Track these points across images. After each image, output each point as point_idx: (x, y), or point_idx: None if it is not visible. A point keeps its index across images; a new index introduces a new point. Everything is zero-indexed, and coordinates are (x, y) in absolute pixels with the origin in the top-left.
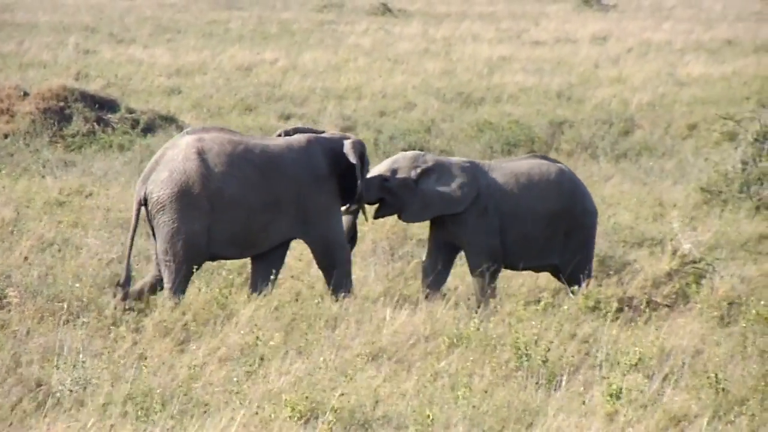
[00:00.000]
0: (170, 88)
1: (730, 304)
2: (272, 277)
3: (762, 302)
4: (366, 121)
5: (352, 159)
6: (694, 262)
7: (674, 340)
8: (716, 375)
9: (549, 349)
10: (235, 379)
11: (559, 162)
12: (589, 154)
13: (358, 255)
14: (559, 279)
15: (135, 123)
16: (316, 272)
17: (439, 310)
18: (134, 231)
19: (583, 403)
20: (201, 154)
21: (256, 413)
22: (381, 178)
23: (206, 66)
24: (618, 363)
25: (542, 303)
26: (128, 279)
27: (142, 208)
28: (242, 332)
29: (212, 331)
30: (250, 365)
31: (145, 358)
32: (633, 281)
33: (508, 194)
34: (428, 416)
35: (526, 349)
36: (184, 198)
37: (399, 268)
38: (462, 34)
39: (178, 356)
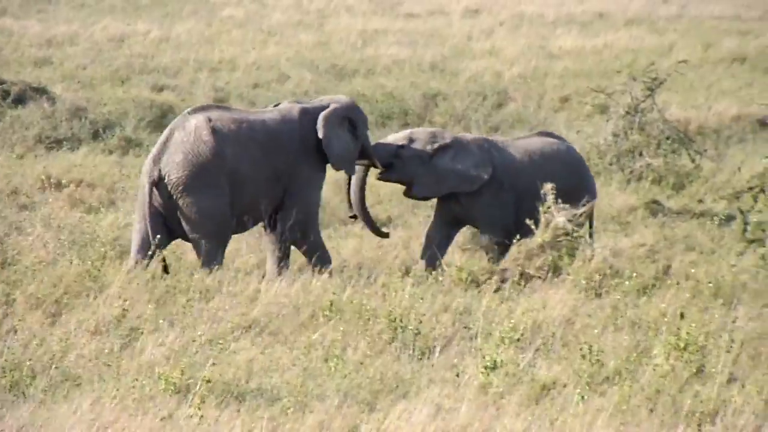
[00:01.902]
0: (41, 59)
1: (601, 276)
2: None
3: (634, 274)
4: (239, 93)
5: (320, 133)
6: (567, 234)
7: (547, 312)
8: (588, 346)
9: (422, 321)
10: (106, 351)
11: (564, 140)
12: (462, 126)
13: None
14: None
15: (5, 94)
16: (187, 245)
17: (313, 282)
18: (149, 211)
19: (457, 374)
20: (213, 135)
21: (133, 387)
22: (396, 146)
23: (78, 37)
24: (491, 334)
25: (413, 274)
26: (152, 255)
27: (155, 188)
28: (115, 305)
29: (85, 303)
30: (123, 338)
31: (16, 332)
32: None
33: (523, 171)
34: (302, 388)
35: (400, 321)
36: (203, 178)
37: None
38: (336, 6)
39: (49, 329)
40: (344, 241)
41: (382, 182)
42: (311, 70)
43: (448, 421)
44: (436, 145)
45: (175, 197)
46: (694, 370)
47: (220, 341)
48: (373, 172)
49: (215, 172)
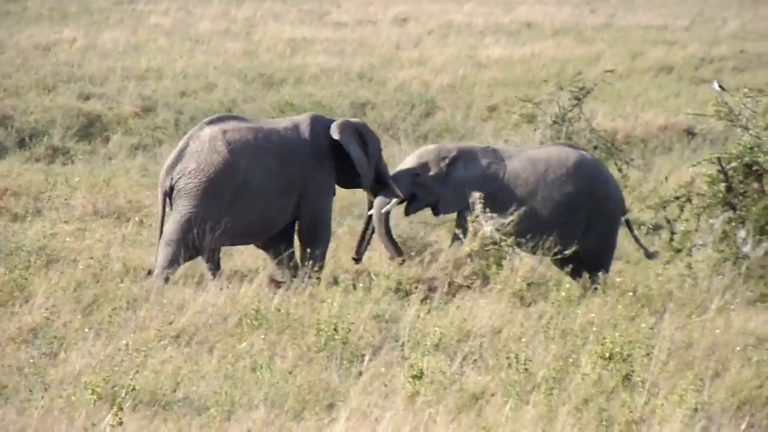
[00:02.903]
0: None
1: (529, 284)
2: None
3: (560, 283)
4: (167, 102)
5: (336, 136)
6: (495, 243)
7: (475, 321)
8: (516, 355)
9: (350, 330)
10: (32, 360)
11: (581, 149)
12: (390, 135)
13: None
14: (570, 268)
15: None
16: (115, 253)
17: (241, 291)
18: (162, 221)
19: (385, 384)
20: (227, 146)
21: (59, 396)
22: (413, 173)
23: (3, 45)
24: (419, 344)
25: (343, 284)
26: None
27: (167, 198)
28: (41, 314)
29: (10, 312)
30: (49, 347)
31: None
32: (434, 262)
33: (528, 180)
34: (229, 397)
35: (328, 330)
36: (210, 189)
37: None
38: (263, 15)
39: None
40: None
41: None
42: (239, 78)
43: (376, 430)
44: (446, 161)
45: (175, 200)
46: (621, 379)
47: (147, 350)
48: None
49: (225, 184)
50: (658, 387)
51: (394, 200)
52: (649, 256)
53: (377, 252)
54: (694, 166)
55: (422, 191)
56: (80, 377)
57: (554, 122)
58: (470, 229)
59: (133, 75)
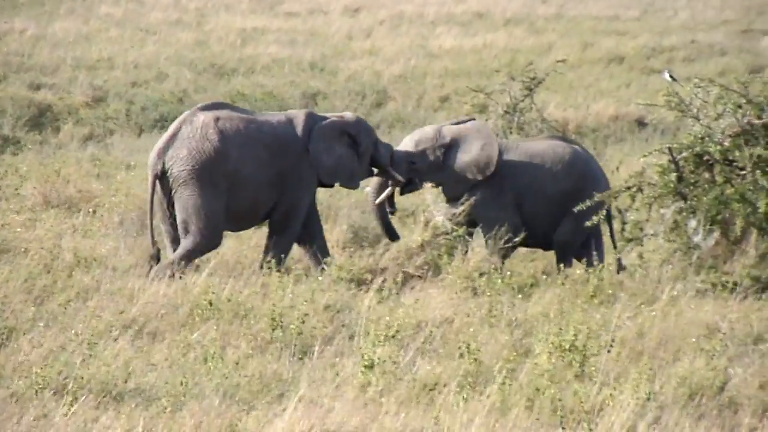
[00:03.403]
0: None
1: (481, 274)
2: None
3: (509, 273)
4: (118, 92)
5: (309, 145)
6: (447, 233)
7: (426, 311)
8: (468, 345)
9: (304, 321)
10: None
11: (575, 143)
12: None
13: (109, 227)
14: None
15: None
16: (66, 243)
17: (192, 281)
18: (152, 204)
19: (337, 374)
20: (219, 134)
21: (8, 387)
22: (409, 160)
23: None
24: (371, 333)
25: (295, 274)
26: (158, 250)
27: (158, 181)
28: None
29: None
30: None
31: None
32: (386, 253)
33: (524, 173)
34: (180, 388)
35: (280, 320)
36: (204, 176)
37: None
38: (215, 5)
39: None
40: (224, 240)
41: None
42: (190, 69)
43: (327, 420)
44: (442, 148)
45: (174, 190)
46: (574, 369)
47: (98, 341)
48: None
49: (216, 171)
50: (610, 377)
51: (389, 188)
52: (620, 267)
53: (329, 243)
54: (645, 156)
55: (417, 176)
56: (31, 368)
57: (506, 112)
58: (422, 219)
59: (83, 65)
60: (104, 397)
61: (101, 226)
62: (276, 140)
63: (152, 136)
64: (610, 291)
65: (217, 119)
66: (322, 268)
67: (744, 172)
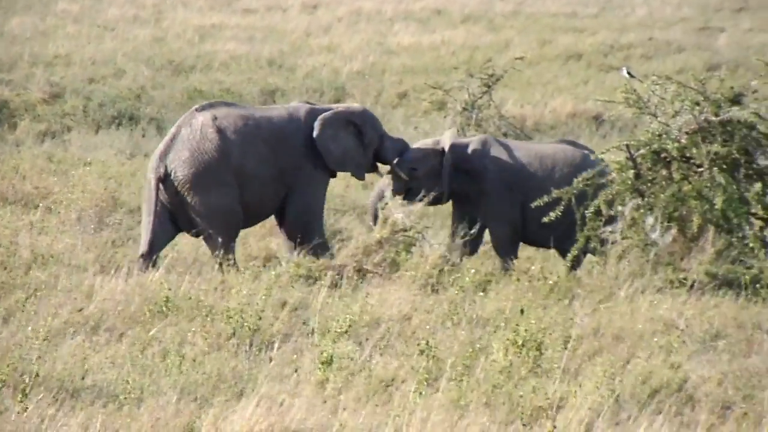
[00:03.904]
0: None
1: (439, 271)
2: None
3: (471, 270)
4: (75, 88)
5: (314, 133)
6: (405, 230)
7: (384, 308)
8: (426, 342)
9: (261, 318)
10: None
11: (585, 147)
12: None
13: (67, 224)
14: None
15: None
16: (22, 240)
17: (150, 278)
18: (155, 206)
19: (295, 370)
20: (218, 133)
21: None
22: (410, 169)
23: None
24: (329, 330)
25: (252, 271)
26: (151, 250)
27: (161, 184)
28: None
29: None
30: None
31: None
32: (344, 249)
33: (532, 174)
34: (138, 384)
35: (238, 317)
36: (209, 176)
37: (108, 236)
38: (172, 1)
39: None
40: (181, 236)
41: None
42: (148, 65)
43: (286, 417)
44: (441, 156)
45: (182, 194)
46: (532, 366)
47: (55, 337)
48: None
49: (221, 169)
50: (568, 373)
51: (389, 194)
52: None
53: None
54: (602, 153)
55: (417, 185)
56: None
57: (464, 109)
58: (380, 215)
59: (41, 61)
60: (61, 394)
61: (58, 223)
62: (275, 135)
63: (109, 133)
64: (568, 288)
65: (215, 118)
66: (288, 260)
67: (701, 169)
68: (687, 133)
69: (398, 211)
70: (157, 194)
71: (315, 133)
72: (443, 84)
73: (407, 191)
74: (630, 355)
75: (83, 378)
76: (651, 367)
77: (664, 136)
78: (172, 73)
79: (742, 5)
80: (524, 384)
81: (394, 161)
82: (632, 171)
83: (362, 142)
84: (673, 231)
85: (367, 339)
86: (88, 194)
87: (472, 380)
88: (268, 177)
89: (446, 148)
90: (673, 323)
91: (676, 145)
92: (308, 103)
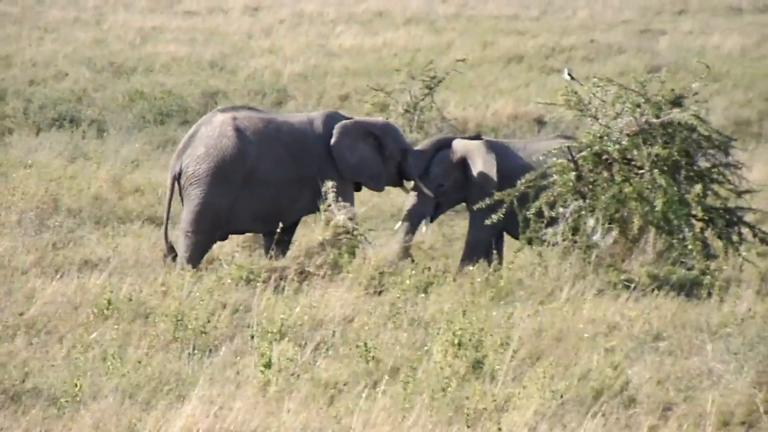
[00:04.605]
0: None
1: (381, 273)
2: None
3: (413, 272)
4: (16, 90)
5: (332, 140)
6: (347, 232)
7: (326, 310)
8: (368, 344)
9: (201, 319)
10: None
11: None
12: None
13: (7, 226)
14: None
15: None
16: None
17: (91, 281)
18: (170, 204)
19: (237, 373)
20: (237, 132)
21: None
22: (437, 185)
23: None
24: (271, 333)
25: (191, 272)
26: (171, 248)
27: (176, 181)
28: None
29: None
30: None
31: None
32: (286, 251)
33: (526, 171)
34: (79, 388)
35: (180, 320)
36: (219, 173)
37: (49, 239)
38: (113, 3)
39: None
40: (122, 239)
41: None
42: (89, 67)
43: (227, 419)
44: (459, 163)
45: (185, 187)
46: (474, 368)
47: None
48: None
49: (233, 168)
50: (510, 375)
51: (426, 220)
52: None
53: (229, 241)
54: (544, 155)
55: (446, 198)
56: None
57: (406, 111)
58: (322, 218)
59: None
60: (1, 397)
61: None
62: (295, 140)
63: (50, 135)
64: (510, 289)
65: (234, 118)
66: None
67: (642, 171)
68: (628, 135)
69: (341, 213)
70: (172, 193)
71: (332, 141)
72: (385, 86)
73: (436, 206)
74: (572, 356)
75: (23, 381)
76: (593, 368)
77: (605, 138)
78: (113, 75)
79: (683, 8)
80: (468, 386)
81: (418, 178)
82: (573, 173)
83: (382, 154)
84: (615, 232)
85: (308, 341)
86: (29, 196)
87: (414, 383)
88: (285, 181)
89: (460, 155)
90: (614, 325)
91: (617, 147)
92: (331, 112)
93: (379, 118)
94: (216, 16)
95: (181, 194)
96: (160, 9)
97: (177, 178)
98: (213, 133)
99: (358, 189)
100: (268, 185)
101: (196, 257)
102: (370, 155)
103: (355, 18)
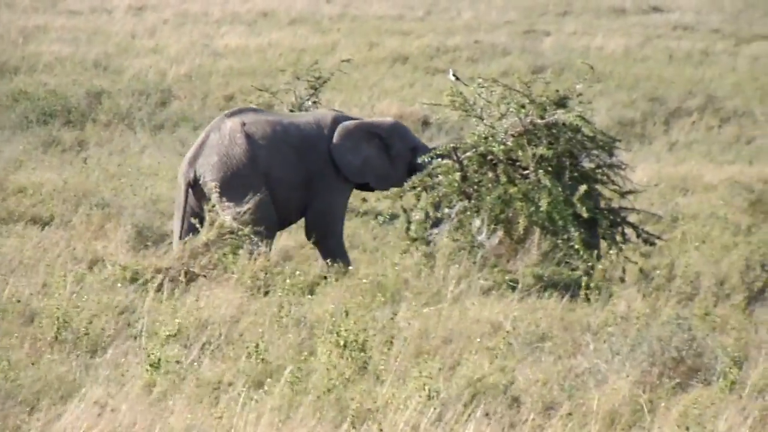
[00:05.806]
0: None
1: (266, 273)
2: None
3: (298, 272)
4: None
5: (333, 140)
6: (232, 232)
7: (212, 310)
8: (254, 344)
9: (92, 322)
10: None
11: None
12: (126, 124)
13: None
14: None
15: None
16: None
17: None
18: (184, 211)
19: (122, 374)
20: (247, 138)
21: None
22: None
23: None
24: (156, 333)
25: (77, 273)
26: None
27: (190, 189)
28: None
29: None
30: None
31: None
32: (171, 252)
33: None
34: None
35: (64, 321)
36: (237, 180)
37: None
38: None
39: None
40: (5, 239)
41: None
42: None
43: (113, 421)
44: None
45: (211, 198)
46: (358, 368)
47: None
48: None
49: (249, 173)
50: (394, 375)
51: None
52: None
53: (113, 242)
54: (429, 156)
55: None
56: None
57: (291, 111)
58: (207, 218)
59: None
60: None
61: None
62: (303, 141)
63: None
64: (395, 289)
65: (243, 124)
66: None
67: (527, 171)
68: (513, 135)
69: (226, 212)
70: (186, 199)
71: (333, 143)
72: (270, 86)
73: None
74: (457, 356)
75: None
76: (478, 368)
77: (490, 138)
78: None
79: (566, 9)
80: (352, 387)
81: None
82: (459, 173)
83: (388, 154)
84: (500, 233)
85: (194, 342)
86: None
87: (300, 383)
88: (295, 183)
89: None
90: (499, 325)
91: (502, 147)
92: (335, 111)
93: (386, 118)
94: (99, 15)
95: (196, 200)
96: (44, 8)
97: (191, 185)
98: (224, 141)
99: (370, 189)
100: (280, 187)
101: (268, 244)
102: (375, 156)
103: (239, 18)
